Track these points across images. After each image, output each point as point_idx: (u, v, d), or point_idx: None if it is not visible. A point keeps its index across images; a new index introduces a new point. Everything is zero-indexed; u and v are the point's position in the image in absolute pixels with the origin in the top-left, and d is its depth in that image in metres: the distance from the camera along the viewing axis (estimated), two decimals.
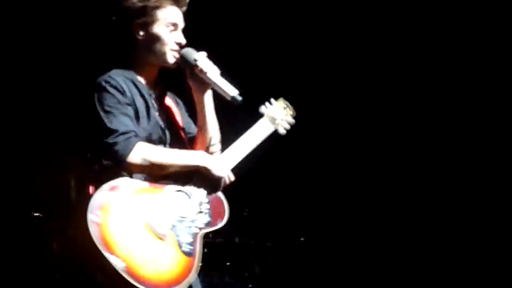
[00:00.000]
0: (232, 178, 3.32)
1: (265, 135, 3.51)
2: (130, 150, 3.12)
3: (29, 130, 5.42)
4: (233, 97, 3.32)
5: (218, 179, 3.26)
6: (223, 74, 3.39)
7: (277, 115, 3.59)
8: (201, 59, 3.34)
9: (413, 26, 5.86)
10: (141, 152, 3.14)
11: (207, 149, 3.41)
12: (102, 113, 3.17)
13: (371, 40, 5.96)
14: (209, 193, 3.27)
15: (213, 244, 5.22)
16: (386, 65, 5.98)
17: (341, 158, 6.07)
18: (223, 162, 3.31)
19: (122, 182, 3.13)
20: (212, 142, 3.43)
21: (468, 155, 5.88)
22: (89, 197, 3.10)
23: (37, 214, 5.10)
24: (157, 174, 3.20)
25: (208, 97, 3.40)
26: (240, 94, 3.33)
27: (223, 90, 3.34)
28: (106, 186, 3.09)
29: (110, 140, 3.13)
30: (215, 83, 3.35)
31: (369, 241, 6.01)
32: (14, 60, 5.43)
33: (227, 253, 5.49)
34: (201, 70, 3.33)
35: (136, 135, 3.17)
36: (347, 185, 6.04)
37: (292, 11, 5.88)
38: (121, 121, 3.16)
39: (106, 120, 3.16)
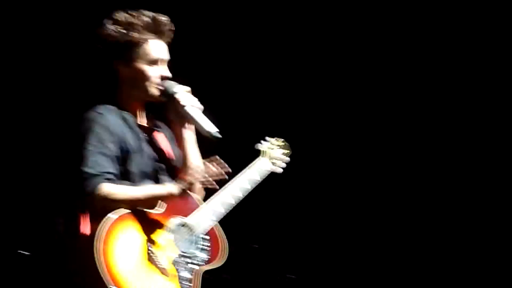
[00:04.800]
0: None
1: (264, 175, 3.52)
2: (94, 188, 3.10)
3: (16, 167, 5.36)
4: (210, 133, 3.30)
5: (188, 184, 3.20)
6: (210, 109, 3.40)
7: (273, 154, 3.59)
8: (181, 92, 3.34)
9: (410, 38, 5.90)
10: (105, 191, 3.12)
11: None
12: (81, 151, 3.17)
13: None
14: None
15: (203, 280, 5.15)
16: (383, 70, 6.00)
17: (333, 194, 6.04)
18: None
19: (128, 211, 3.13)
20: None
21: (468, 156, 5.88)
22: (80, 228, 3.14)
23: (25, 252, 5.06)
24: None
25: (189, 130, 3.41)
26: (219, 132, 3.31)
27: (200, 126, 3.33)
28: (112, 215, 3.08)
29: (81, 175, 3.12)
30: (193, 118, 3.34)
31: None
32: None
33: None
34: (180, 104, 3.33)
35: (108, 177, 3.16)
36: (339, 222, 6.01)
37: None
38: (96, 160, 3.16)
39: (83, 157, 3.16)
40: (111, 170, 3.18)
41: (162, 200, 3.21)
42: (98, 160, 3.15)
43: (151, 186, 3.23)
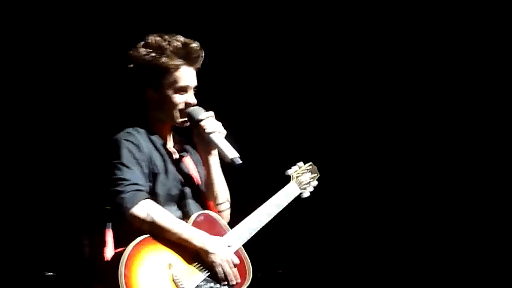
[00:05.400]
0: (236, 261, 3.24)
1: (290, 200, 3.53)
2: (137, 202, 3.11)
3: (42, 188, 5.37)
4: (232, 160, 3.31)
5: (214, 265, 3.20)
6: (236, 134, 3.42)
7: (303, 179, 3.59)
8: (206, 118, 3.35)
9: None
10: (147, 207, 3.12)
11: (215, 207, 3.41)
12: (115, 166, 3.17)
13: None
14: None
15: None
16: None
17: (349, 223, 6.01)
18: (226, 244, 3.25)
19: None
20: (218, 201, 3.42)
21: (468, 156, 5.84)
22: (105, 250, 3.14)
23: (49, 273, 5.06)
24: (156, 235, 3.15)
25: (214, 156, 3.41)
26: (240, 157, 3.32)
27: (223, 152, 3.34)
28: (137, 240, 3.07)
29: (119, 188, 3.12)
30: (216, 144, 3.36)
31: None
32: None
33: None
34: (205, 130, 3.34)
35: (147, 192, 3.17)
36: (359, 249, 5.98)
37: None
38: (133, 173, 3.16)
39: (118, 171, 3.16)
40: (146, 185, 3.19)
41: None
42: (136, 173, 3.17)
43: (190, 230, 3.19)
